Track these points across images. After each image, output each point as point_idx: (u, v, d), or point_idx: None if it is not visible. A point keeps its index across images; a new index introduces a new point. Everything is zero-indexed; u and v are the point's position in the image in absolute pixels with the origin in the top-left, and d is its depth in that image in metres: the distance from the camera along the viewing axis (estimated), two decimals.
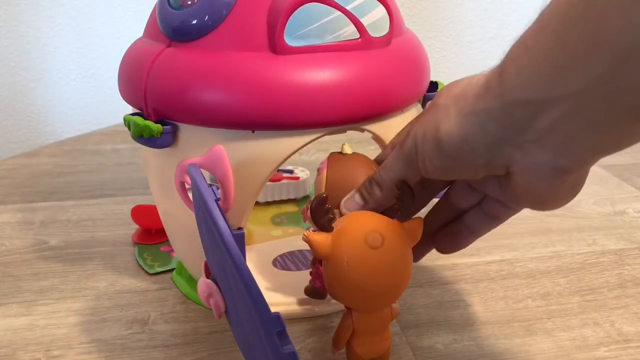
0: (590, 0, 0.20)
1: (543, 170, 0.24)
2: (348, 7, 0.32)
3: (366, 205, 0.30)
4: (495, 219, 0.31)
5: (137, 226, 0.50)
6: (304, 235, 0.28)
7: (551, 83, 0.22)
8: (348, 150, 0.33)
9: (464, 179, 0.29)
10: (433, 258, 0.46)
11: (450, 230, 0.32)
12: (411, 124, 0.30)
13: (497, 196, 0.30)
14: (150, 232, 0.49)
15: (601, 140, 0.22)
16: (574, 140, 0.22)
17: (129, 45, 0.38)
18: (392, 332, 0.32)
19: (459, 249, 0.33)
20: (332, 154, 0.33)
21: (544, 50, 0.22)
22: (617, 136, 0.22)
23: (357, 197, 0.31)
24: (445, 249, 0.33)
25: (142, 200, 0.57)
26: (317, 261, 0.34)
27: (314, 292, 0.35)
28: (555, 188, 0.25)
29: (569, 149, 0.23)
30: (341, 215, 0.31)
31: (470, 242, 0.32)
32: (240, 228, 0.34)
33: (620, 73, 0.20)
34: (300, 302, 0.39)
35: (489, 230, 0.32)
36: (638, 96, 0.20)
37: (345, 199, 0.31)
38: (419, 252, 0.33)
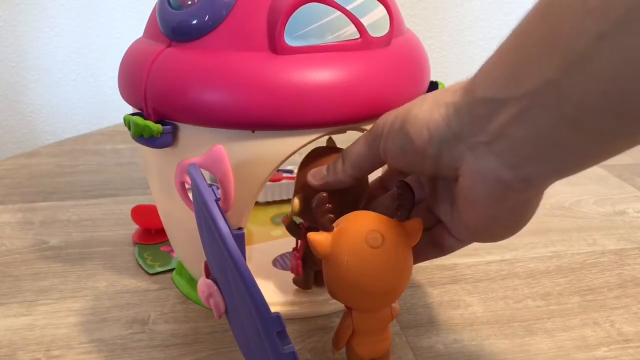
0: (549, 5, 0.20)
1: (488, 178, 0.24)
2: (348, 7, 0.32)
3: (327, 177, 0.32)
4: (437, 247, 0.31)
5: (137, 226, 0.50)
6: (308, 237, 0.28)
7: (509, 83, 0.22)
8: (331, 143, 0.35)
9: (412, 170, 0.29)
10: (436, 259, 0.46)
11: None
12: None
13: (446, 220, 0.29)
14: (150, 232, 0.49)
15: (546, 155, 0.22)
16: (519, 150, 0.22)
17: (129, 45, 0.38)
18: (392, 332, 0.32)
19: (424, 260, 0.32)
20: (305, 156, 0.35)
21: (508, 51, 0.22)
22: (562, 152, 0.22)
23: (323, 169, 0.32)
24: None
25: (142, 200, 0.57)
26: (296, 246, 0.36)
27: (297, 280, 0.38)
28: (496, 204, 0.24)
29: (514, 159, 0.23)
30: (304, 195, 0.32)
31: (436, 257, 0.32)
32: (240, 228, 0.34)
33: (567, 80, 0.20)
34: (300, 302, 0.39)
35: (428, 258, 0.31)
36: (580, 109, 0.20)
37: (314, 169, 0.33)
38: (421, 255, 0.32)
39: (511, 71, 0.22)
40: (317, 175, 0.32)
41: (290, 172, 0.56)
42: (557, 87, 0.20)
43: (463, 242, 0.30)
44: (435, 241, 0.30)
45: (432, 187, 0.31)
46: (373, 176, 0.34)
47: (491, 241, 0.28)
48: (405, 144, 0.27)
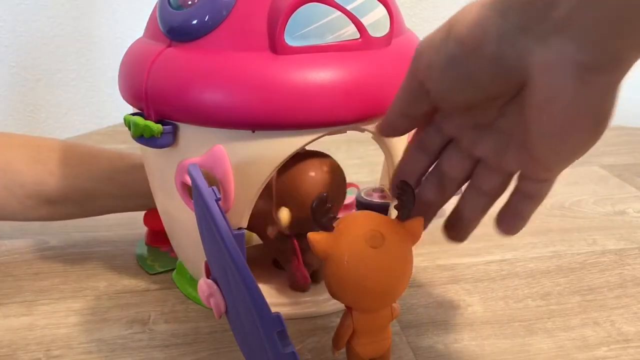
0: None
1: (567, 66, 0.21)
2: (348, 7, 0.32)
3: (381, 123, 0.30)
4: (519, 194, 0.29)
5: (136, 226, 0.50)
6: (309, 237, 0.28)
7: None
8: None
9: (464, 93, 0.25)
10: (433, 258, 0.46)
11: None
12: None
13: (512, 154, 0.27)
14: (162, 235, 0.49)
15: (629, 29, 0.20)
16: (597, 30, 0.20)
17: (129, 45, 0.38)
18: (392, 332, 0.32)
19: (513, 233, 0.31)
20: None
21: None
22: (630, 24, 0.19)
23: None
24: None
25: None
26: (292, 253, 0.37)
27: (294, 284, 0.39)
28: (580, 95, 0.22)
29: (594, 39, 0.20)
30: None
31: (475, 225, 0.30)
32: (240, 228, 0.34)
33: None
34: (301, 302, 0.39)
35: (524, 214, 0.30)
36: None
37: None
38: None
39: None
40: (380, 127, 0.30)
41: None
42: None
43: (538, 200, 0.28)
44: (516, 211, 0.29)
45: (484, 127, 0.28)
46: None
47: (569, 159, 0.25)
48: (455, 50, 0.24)
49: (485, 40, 0.23)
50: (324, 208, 0.28)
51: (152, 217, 0.49)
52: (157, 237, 0.48)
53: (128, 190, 0.45)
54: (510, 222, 0.30)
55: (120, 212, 0.47)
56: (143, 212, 0.48)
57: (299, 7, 0.31)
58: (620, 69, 0.22)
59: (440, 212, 0.32)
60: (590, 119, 0.23)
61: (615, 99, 0.23)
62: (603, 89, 0.22)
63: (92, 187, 0.44)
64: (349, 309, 0.30)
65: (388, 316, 0.30)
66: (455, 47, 0.24)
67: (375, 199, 0.48)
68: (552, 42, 0.21)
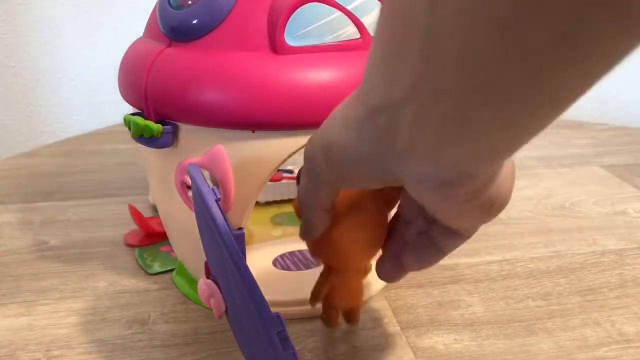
0: None
1: (427, 182, 0.21)
2: (348, 7, 0.32)
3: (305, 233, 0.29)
4: (434, 246, 0.28)
5: (136, 226, 0.50)
6: (294, 203, 0.30)
7: (388, 85, 0.19)
8: None
9: (361, 187, 0.26)
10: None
11: (415, 244, 0.29)
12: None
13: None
14: (146, 234, 0.49)
15: (461, 144, 0.19)
16: (436, 147, 0.19)
17: (129, 45, 0.38)
18: (392, 332, 0.33)
19: (427, 266, 0.30)
20: None
21: (377, 56, 0.20)
22: (475, 137, 0.18)
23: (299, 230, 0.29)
24: (412, 266, 0.30)
25: (142, 200, 0.57)
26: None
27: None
28: (449, 202, 0.22)
29: (439, 157, 0.20)
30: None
31: (438, 259, 0.29)
32: (240, 228, 0.34)
33: (426, 65, 0.17)
34: (301, 302, 0.39)
35: (430, 261, 0.29)
36: (462, 95, 0.17)
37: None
38: (390, 272, 0.31)
39: (384, 76, 0.20)
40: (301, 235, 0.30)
41: (291, 172, 0.56)
42: (428, 80, 0.17)
43: (459, 237, 0.28)
44: (432, 242, 0.29)
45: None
46: None
47: (476, 226, 0.25)
48: (335, 174, 0.24)
49: (357, 167, 0.23)
50: None
51: (144, 219, 0.49)
52: (149, 237, 0.49)
53: None
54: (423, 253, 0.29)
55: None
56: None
57: (299, 7, 0.31)
58: (477, 180, 0.21)
59: None
60: (473, 213, 0.23)
61: (496, 190, 0.23)
62: (470, 196, 0.22)
63: None
64: (327, 267, 0.32)
65: (362, 272, 0.33)
66: (336, 172, 0.24)
67: None
68: (408, 159, 0.21)
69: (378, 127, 0.21)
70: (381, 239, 0.31)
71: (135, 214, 0.49)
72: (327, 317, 0.35)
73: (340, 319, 0.35)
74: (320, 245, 0.30)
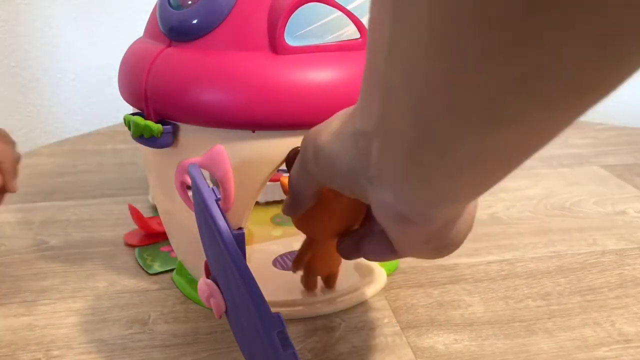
0: (370, 36, 0.19)
1: (389, 211, 0.22)
2: (348, 7, 0.32)
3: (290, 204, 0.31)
4: (390, 250, 0.28)
5: (136, 226, 0.50)
6: (280, 180, 0.32)
7: (365, 116, 0.21)
8: None
9: (343, 192, 0.27)
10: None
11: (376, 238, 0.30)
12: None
13: None
14: (145, 234, 0.49)
15: (420, 186, 0.20)
16: (401, 182, 0.20)
17: (129, 45, 0.38)
18: (392, 332, 0.33)
19: (379, 260, 0.31)
20: None
21: (362, 82, 0.21)
22: (432, 183, 0.19)
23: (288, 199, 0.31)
24: (367, 255, 0.31)
25: (142, 200, 0.57)
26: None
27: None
28: (406, 236, 0.23)
29: (402, 192, 0.21)
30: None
31: (391, 259, 0.30)
32: (240, 228, 0.34)
33: (387, 113, 0.18)
34: (301, 302, 0.39)
35: (385, 260, 0.30)
36: (411, 140, 0.18)
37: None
38: (347, 250, 0.32)
39: (362, 105, 0.21)
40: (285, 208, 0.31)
41: None
42: (387, 119, 0.19)
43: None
44: (390, 243, 0.29)
45: None
46: None
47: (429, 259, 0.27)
48: (319, 173, 0.26)
49: (336, 175, 0.24)
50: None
51: (144, 219, 0.49)
52: (149, 237, 0.49)
53: None
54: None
55: None
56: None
57: (299, 7, 0.31)
58: (434, 224, 0.22)
59: None
60: (425, 251, 0.25)
61: (451, 237, 0.24)
62: (427, 237, 0.23)
63: None
64: (309, 238, 0.35)
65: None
66: (319, 173, 0.26)
67: None
68: (377, 186, 0.22)
69: (358, 149, 0.22)
70: (358, 219, 0.33)
71: (135, 214, 0.49)
72: (307, 282, 0.39)
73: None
74: (303, 219, 0.33)
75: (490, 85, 0.14)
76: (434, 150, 0.17)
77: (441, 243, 0.24)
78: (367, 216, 0.32)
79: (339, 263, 0.38)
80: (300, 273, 0.39)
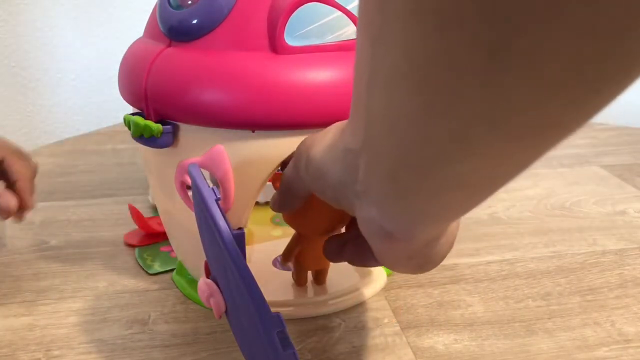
0: (356, 59, 0.20)
1: (373, 226, 0.23)
2: (348, 7, 0.32)
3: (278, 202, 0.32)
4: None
5: (136, 226, 0.50)
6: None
7: (353, 135, 0.21)
8: None
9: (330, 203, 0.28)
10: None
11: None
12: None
13: None
14: (145, 234, 0.49)
15: (404, 207, 0.21)
16: (384, 198, 0.21)
17: (129, 45, 0.38)
18: (392, 332, 0.33)
19: (360, 265, 0.32)
20: None
21: (352, 101, 0.22)
22: (415, 203, 0.20)
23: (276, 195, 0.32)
24: (349, 258, 0.32)
25: (142, 200, 0.57)
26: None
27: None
28: (390, 252, 0.24)
29: (387, 209, 0.21)
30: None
31: (372, 265, 0.31)
32: (240, 228, 0.34)
33: (370, 135, 0.19)
34: (301, 302, 0.39)
35: (369, 266, 0.32)
36: (392, 162, 0.19)
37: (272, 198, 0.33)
38: (331, 251, 0.33)
39: (350, 124, 0.22)
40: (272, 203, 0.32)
41: None
42: (371, 141, 0.20)
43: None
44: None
45: None
46: None
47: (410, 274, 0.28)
48: (310, 183, 0.26)
49: (326, 188, 0.25)
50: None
51: (144, 219, 0.49)
52: (149, 237, 0.49)
53: None
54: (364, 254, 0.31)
55: None
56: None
57: (299, 7, 0.31)
58: (417, 241, 0.23)
59: None
60: (407, 267, 0.25)
61: (429, 256, 0.25)
62: (409, 253, 0.24)
63: None
64: (299, 233, 0.37)
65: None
66: (310, 182, 0.26)
67: None
68: (363, 201, 0.22)
69: (347, 164, 0.23)
70: (347, 218, 0.33)
71: (135, 214, 0.49)
72: (297, 277, 0.40)
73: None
74: (293, 216, 0.34)
75: (458, 120, 0.15)
76: (412, 173, 0.18)
77: (423, 260, 0.25)
78: (353, 221, 0.32)
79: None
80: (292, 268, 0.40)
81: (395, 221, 0.22)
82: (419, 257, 0.24)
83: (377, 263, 0.29)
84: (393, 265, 0.26)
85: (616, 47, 0.12)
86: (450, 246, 0.26)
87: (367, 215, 0.23)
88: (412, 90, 0.15)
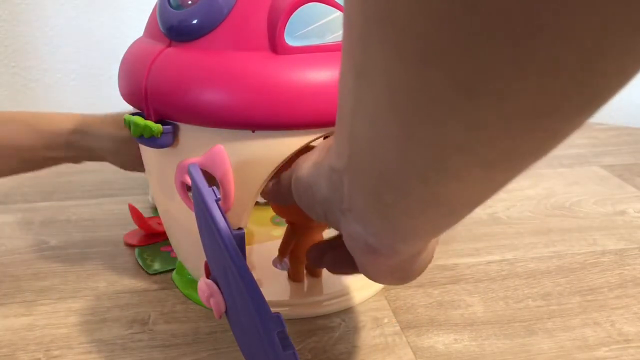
0: (340, 82, 0.20)
1: (359, 242, 0.23)
2: None
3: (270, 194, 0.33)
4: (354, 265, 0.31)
5: (136, 226, 0.50)
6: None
7: (337, 155, 0.22)
8: None
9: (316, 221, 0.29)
10: (434, 258, 0.46)
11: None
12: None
13: None
14: (146, 234, 0.49)
15: (388, 223, 0.21)
16: (370, 218, 0.22)
17: (129, 45, 0.38)
18: (392, 332, 0.33)
19: (338, 273, 0.34)
20: None
21: (337, 121, 0.22)
22: (397, 221, 0.21)
23: (270, 184, 0.32)
24: (328, 266, 0.33)
25: (142, 200, 0.57)
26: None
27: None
28: (372, 265, 0.24)
29: (371, 226, 0.22)
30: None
31: (350, 274, 0.32)
32: (240, 228, 0.34)
33: (354, 155, 0.20)
34: (301, 303, 0.39)
35: (347, 274, 0.32)
36: (375, 182, 0.19)
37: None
38: (313, 257, 0.34)
39: (335, 144, 0.22)
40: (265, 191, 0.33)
41: None
42: (354, 161, 0.20)
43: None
44: (352, 258, 0.30)
45: None
46: None
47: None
48: (298, 200, 0.27)
49: (313, 204, 0.25)
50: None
51: (144, 219, 0.49)
52: (149, 237, 0.49)
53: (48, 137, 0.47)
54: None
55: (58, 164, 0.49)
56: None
57: (299, 7, 0.31)
58: (401, 256, 0.23)
59: None
60: (389, 279, 0.26)
61: (411, 270, 0.26)
62: (391, 268, 0.24)
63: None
64: (291, 225, 0.37)
65: (321, 228, 0.38)
66: (298, 199, 0.27)
67: None
68: (348, 218, 0.23)
69: (332, 182, 0.23)
70: None
71: (135, 214, 0.49)
72: (294, 273, 0.40)
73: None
74: (284, 207, 0.35)
75: (436, 149, 0.16)
76: (393, 193, 0.19)
77: (404, 274, 0.26)
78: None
79: None
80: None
81: (379, 237, 0.22)
82: (400, 271, 0.25)
83: (354, 272, 0.30)
84: (376, 278, 0.27)
85: (584, 81, 0.13)
86: (429, 260, 0.27)
87: (353, 231, 0.23)
88: (394, 121, 0.16)
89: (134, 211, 0.49)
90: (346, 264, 0.29)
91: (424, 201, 0.19)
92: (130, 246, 0.48)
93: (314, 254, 0.33)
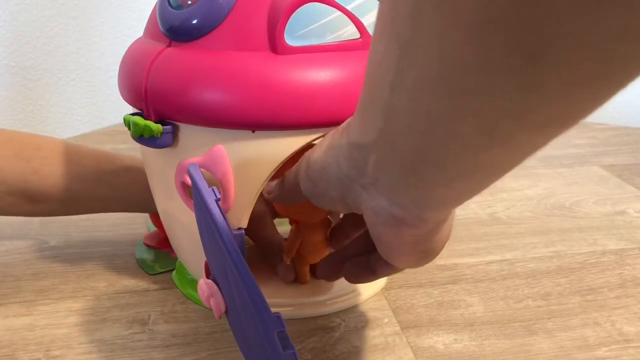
0: (370, 54, 0.20)
1: (383, 215, 0.24)
2: (348, 7, 0.32)
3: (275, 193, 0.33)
4: (370, 270, 0.31)
5: (136, 226, 0.50)
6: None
7: (362, 131, 0.22)
8: None
9: (328, 208, 0.29)
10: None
11: (357, 262, 0.32)
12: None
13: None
14: (165, 237, 0.49)
15: (416, 194, 0.22)
16: (397, 190, 0.22)
17: (129, 45, 0.38)
18: (391, 332, 0.34)
19: (359, 282, 0.35)
20: None
21: (361, 98, 0.22)
22: (428, 191, 0.21)
23: (273, 184, 0.33)
24: (348, 278, 0.33)
25: None
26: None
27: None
28: (397, 239, 0.25)
29: (397, 198, 0.23)
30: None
31: (371, 280, 0.32)
32: (240, 228, 0.34)
33: (389, 129, 0.20)
34: (301, 303, 0.39)
35: (363, 281, 0.33)
36: (406, 157, 0.20)
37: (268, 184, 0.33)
38: (328, 273, 0.35)
39: (361, 120, 0.22)
40: (267, 189, 0.33)
41: None
42: (387, 136, 0.20)
43: (394, 268, 0.30)
44: (369, 265, 0.31)
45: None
46: None
47: (411, 267, 0.29)
48: (311, 188, 0.27)
49: (329, 186, 0.26)
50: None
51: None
52: (167, 239, 0.49)
53: (114, 193, 0.44)
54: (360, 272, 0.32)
55: (103, 213, 0.46)
56: (142, 212, 0.48)
57: (299, 7, 0.31)
58: (428, 225, 0.24)
59: None
60: (412, 256, 0.26)
61: (436, 242, 0.26)
62: (416, 239, 0.25)
63: (77, 187, 0.43)
64: (296, 224, 0.38)
65: (325, 227, 0.38)
66: (311, 186, 0.27)
67: None
68: (371, 192, 0.23)
69: (353, 159, 0.23)
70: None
71: (155, 216, 0.48)
72: (299, 274, 0.40)
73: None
74: (287, 205, 0.35)
75: (487, 117, 0.16)
76: (432, 166, 0.19)
77: (427, 246, 0.26)
78: (340, 237, 0.35)
79: (326, 249, 0.39)
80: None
81: (406, 208, 0.23)
82: (424, 242, 0.25)
83: (374, 278, 0.31)
84: (398, 256, 0.27)
85: None
86: (449, 231, 0.27)
87: (376, 205, 0.23)
88: (443, 92, 0.16)
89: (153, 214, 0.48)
90: (365, 271, 0.31)
91: (463, 171, 0.19)
92: (150, 247, 0.48)
93: (327, 270, 0.34)
